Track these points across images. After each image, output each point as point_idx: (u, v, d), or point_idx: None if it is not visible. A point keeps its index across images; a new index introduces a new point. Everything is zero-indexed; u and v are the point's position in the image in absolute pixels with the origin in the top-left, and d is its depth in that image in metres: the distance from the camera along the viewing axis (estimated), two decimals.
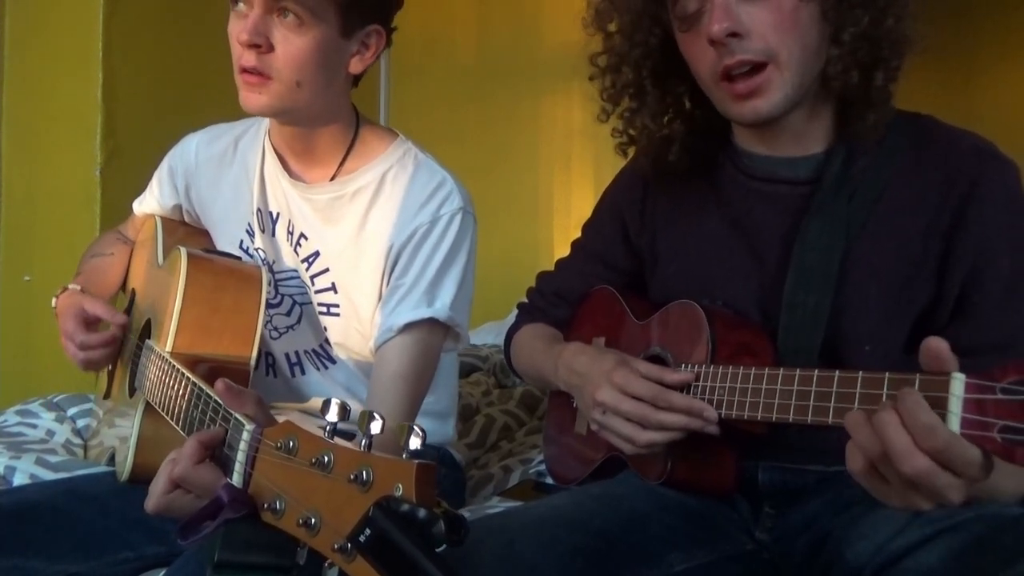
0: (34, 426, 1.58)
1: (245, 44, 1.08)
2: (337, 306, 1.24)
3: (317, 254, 1.24)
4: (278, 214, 1.26)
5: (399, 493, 0.57)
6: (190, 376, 0.96)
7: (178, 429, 0.96)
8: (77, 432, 1.58)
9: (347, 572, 0.60)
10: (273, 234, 1.27)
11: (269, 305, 1.24)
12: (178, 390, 0.98)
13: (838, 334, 0.99)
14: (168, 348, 1.07)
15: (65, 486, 1.19)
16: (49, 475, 1.34)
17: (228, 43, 1.13)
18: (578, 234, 1.35)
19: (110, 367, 1.34)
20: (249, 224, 1.29)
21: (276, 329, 1.29)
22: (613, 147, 1.19)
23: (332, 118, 1.21)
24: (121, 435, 1.20)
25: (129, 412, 1.16)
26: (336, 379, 1.29)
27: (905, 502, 0.71)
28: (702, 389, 0.97)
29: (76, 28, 2.31)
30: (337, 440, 0.65)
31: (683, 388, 0.98)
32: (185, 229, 1.39)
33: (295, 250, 1.26)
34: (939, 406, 0.68)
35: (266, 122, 1.28)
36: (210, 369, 1.06)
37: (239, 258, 1.28)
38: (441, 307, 1.18)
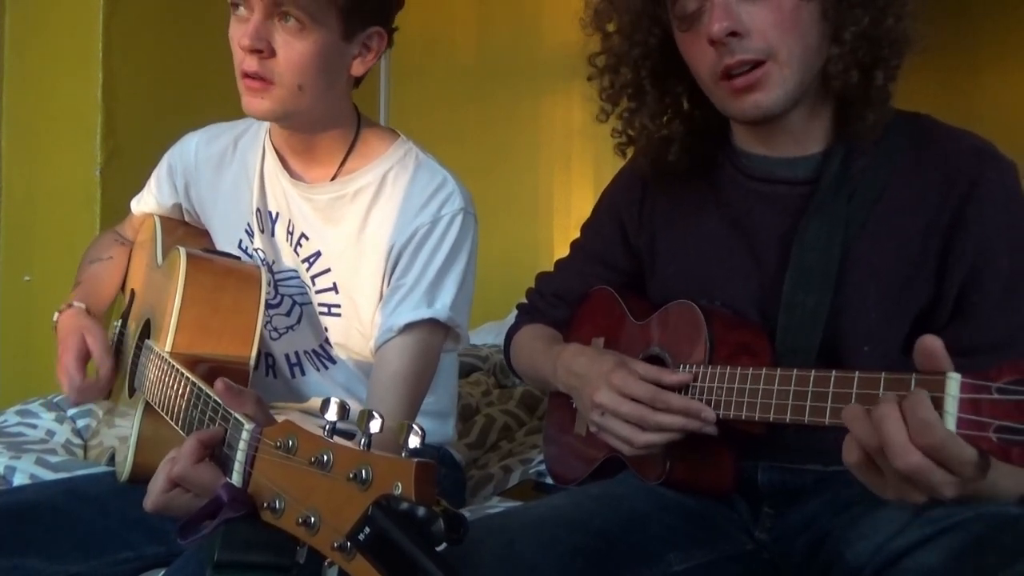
0: (34, 426, 1.58)
1: (246, 49, 1.08)
2: (338, 306, 1.24)
3: (318, 254, 1.24)
4: (277, 214, 1.26)
5: (398, 492, 0.57)
6: (189, 376, 0.96)
7: (177, 429, 0.96)
8: (77, 432, 1.58)
9: (347, 571, 0.60)
10: (272, 234, 1.27)
11: (269, 305, 1.24)
12: (177, 390, 0.98)
13: (837, 334, 0.99)
14: (167, 348, 1.07)
15: (65, 486, 1.19)
16: (49, 475, 1.34)
17: (228, 43, 1.12)
18: (578, 234, 1.35)
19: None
20: (248, 224, 1.29)
21: (276, 330, 1.29)
22: (612, 147, 1.19)
23: (334, 120, 1.21)
24: (121, 435, 1.20)
25: (129, 412, 1.16)
26: (336, 379, 1.28)
27: (899, 495, 0.72)
28: (700, 390, 0.97)
29: (76, 28, 2.31)
30: (336, 439, 0.65)
31: (681, 389, 0.98)
32: (185, 229, 1.39)
33: (295, 250, 1.26)
34: (935, 406, 0.68)
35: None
36: (210, 369, 1.06)
37: (238, 258, 1.28)
38: (441, 308, 1.18)
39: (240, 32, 1.09)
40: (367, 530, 0.56)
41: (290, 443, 0.68)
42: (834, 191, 1.02)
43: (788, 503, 1.04)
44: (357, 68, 1.18)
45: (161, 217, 1.40)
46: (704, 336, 0.99)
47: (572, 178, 3.14)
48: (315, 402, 1.27)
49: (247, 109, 1.13)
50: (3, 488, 1.31)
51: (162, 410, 1.02)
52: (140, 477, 1.02)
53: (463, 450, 1.58)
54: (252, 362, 1.10)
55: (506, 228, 2.94)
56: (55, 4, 2.36)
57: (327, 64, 1.12)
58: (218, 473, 0.82)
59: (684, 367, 0.99)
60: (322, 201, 1.23)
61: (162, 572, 1.05)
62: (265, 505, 0.69)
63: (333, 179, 1.23)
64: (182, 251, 1.14)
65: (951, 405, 0.68)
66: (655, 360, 1.06)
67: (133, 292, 1.39)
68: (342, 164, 1.23)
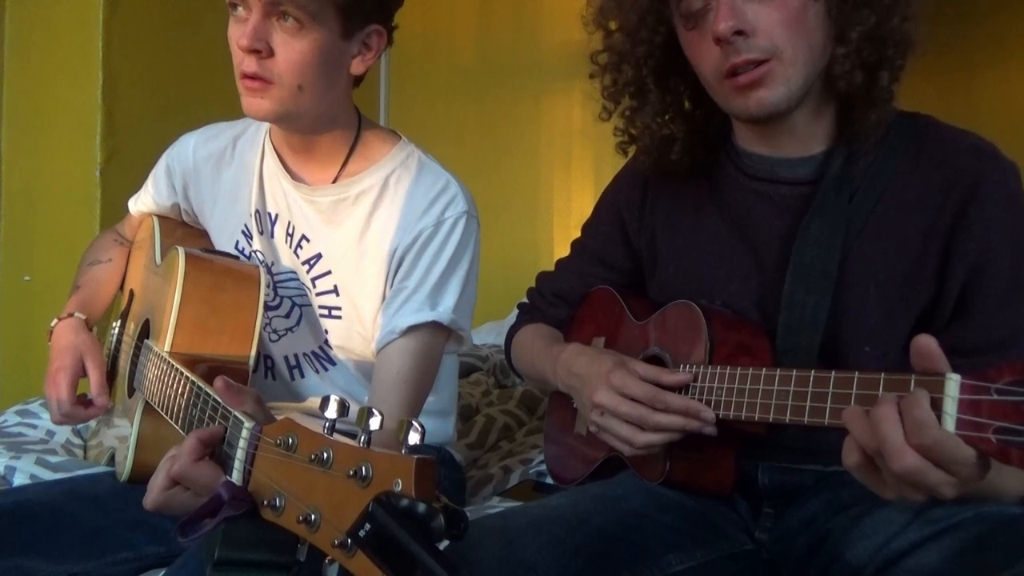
0: (34, 426, 1.58)
1: (245, 49, 1.07)
2: (339, 308, 1.24)
3: (319, 256, 1.24)
4: (276, 215, 1.26)
5: (398, 488, 0.57)
6: (189, 375, 0.96)
7: (177, 428, 0.96)
8: (77, 432, 1.58)
9: (347, 568, 0.60)
10: (271, 235, 1.27)
11: (268, 307, 1.24)
12: (177, 389, 0.98)
13: (838, 335, 0.99)
14: (167, 348, 1.07)
15: (65, 486, 1.19)
16: (49, 475, 1.34)
17: (228, 43, 1.12)
18: (578, 234, 1.35)
19: (108, 367, 1.34)
20: (246, 226, 1.29)
21: (275, 331, 1.28)
22: (614, 146, 1.18)
23: (334, 120, 1.21)
24: (121, 435, 1.20)
25: (129, 412, 1.16)
26: (335, 382, 1.28)
27: (899, 494, 0.72)
28: (700, 390, 0.97)
29: (76, 28, 2.30)
30: (336, 436, 0.65)
31: (681, 389, 0.98)
32: (183, 229, 1.39)
33: (295, 252, 1.25)
34: (934, 407, 0.68)
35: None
36: (209, 369, 1.06)
37: (237, 257, 1.28)
38: (444, 310, 1.18)
39: (239, 32, 1.08)
40: (367, 527, 0.56)
41: (290, 441, 0.68)
42: (835, 191, 1.02)
43: (788, 503, 1.04)
44: (357, 67, 1.18)
45: (159, 217, 1.40)
46: (704, 336, 0.99)
47: (572, 178, 3.14)
48: (313, 402, 1.27)
49: (247, 110, 1.12)
50: (3, 488, 1.31)
51: (162, 409, 1.02)
52: (140, 477, 1.02)
53: (463, 450, 1.58)
54: (251, 362, 1.10)
55: (506, 228, 2.94)
56: (55, 4, 2.36)
57: (327, 63, 1.12)
58: (218, 471, 0.82)
59: (684, 367, 0.99)
60: (324, 203, 1.22)
61: (162, 572, 1.05)
62: (265, 503, 0.69)
63: (335, 181, 1.22)
64: (181, 251, 1.14)
65: (950, 406, 0.68)
66: (655, 360, 1.06)
67: (132, 292, 1.38)
68: (343, 166, 1.23)
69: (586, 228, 1.33)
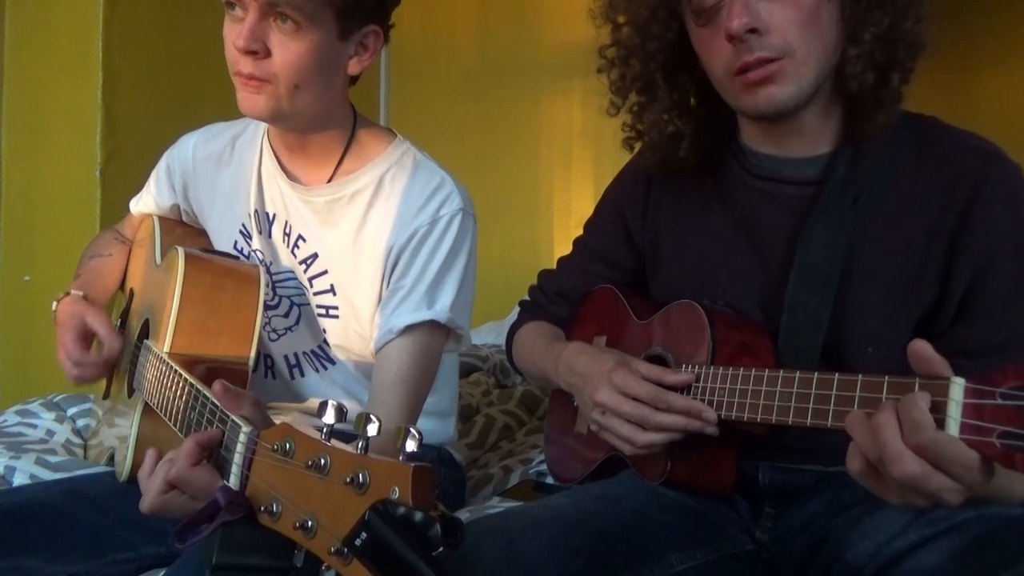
0: (34, 426, 1.58)
1: (242, 50, 1.07)
2: (336, 308, 1.24)
3: (316, 256, 1.24)
4: (274, 215, 1.26)
5: (395, 496, 0.57)
6: (187, 377, 0.96)
7: (176, 430, 0.96)
8: (77, 432, 1.58)
9: (344, 575, 0.60)
10: (269, 235, 1.27)
11: (267, 307, 1.24)
12: (176, 391, 0.98)
13: (841, 335, 0.99)
14: (166, 348, 1.07)
15: (65, 486, 1.19)
16: (49, 475, 1.34)
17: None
18: (578, 234, 1.35)
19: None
20: (244, 226, 1.29)
21: (275, 331, 1.28)
22: (620, 142, 1.17)
23: (330, 119, 1.20)
24: (120, 435, 1.20)
25: (128, 412, 1.16)
26: (335, 381, 1.28)
27: (904, 500, 0.72)
28: (702, 390, 0.96)
29: (76, 28, 2.30)
30: (334, 442, 0.65)
31: (683, 389, 0.98)
32: (183, 229, 1.39)
33: (292, 252, 1.25)
34: (938, 411, 0.68)
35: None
36: (208, 369, 1.05)
37: (237, 257, 1.28)
38: (441, 309, 1.18)
39: (235, 33, 1.08)
40: (364, 535, 0.56)
41: (287, 446, 0.68)
42: (840, 193, 1.02)
43: (789, 503, 1.04)
44: (354, 67, 1.18)
45: (160, 217, 1.40)
46: (707, 337, 0.99)
47: (572, 178, 3.14)
48: (314, 403, 1.27)
49: (243, 107, 1.12)
50: (3, 488, 1.31)
51: (160, 411, 1.02)
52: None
53: (463, 450, 1.58)
54: (251, 362, 1.10)
55: (506, 228, 2.94)
56: (55, 4, 2.36)
57: (324, 64, 1.11)
58: (215, 476, 0.82)
59: (686, 367, 0.99)
60: (319, 203, 1.22)
61: (162, 572, 1.05)
62: (262, 508, 0.69)
63: (330, 181, 1.22)
64: (180, 251, 1.14)
65: (954, 410, 0.67)
66: (657, 360, 1.06)
67: (132, 291, 1.38)
68: (338, 165, 1.22)
69: (588, 226, 1.32)
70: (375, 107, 3.36)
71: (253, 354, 1.10)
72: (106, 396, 1.37)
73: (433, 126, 3.17)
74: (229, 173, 1.31)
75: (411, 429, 0.58)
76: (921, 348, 0.71)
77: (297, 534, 0.64)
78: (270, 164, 1.26)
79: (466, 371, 2.06)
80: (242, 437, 0.77)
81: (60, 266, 1.92)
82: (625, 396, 0.98)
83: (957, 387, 0.68)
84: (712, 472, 1.03)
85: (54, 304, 1.30)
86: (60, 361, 1.23)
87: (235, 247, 1.30)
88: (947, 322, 0.98)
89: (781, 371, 0.87)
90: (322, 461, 0.64)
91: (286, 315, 1.27)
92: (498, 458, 1.61)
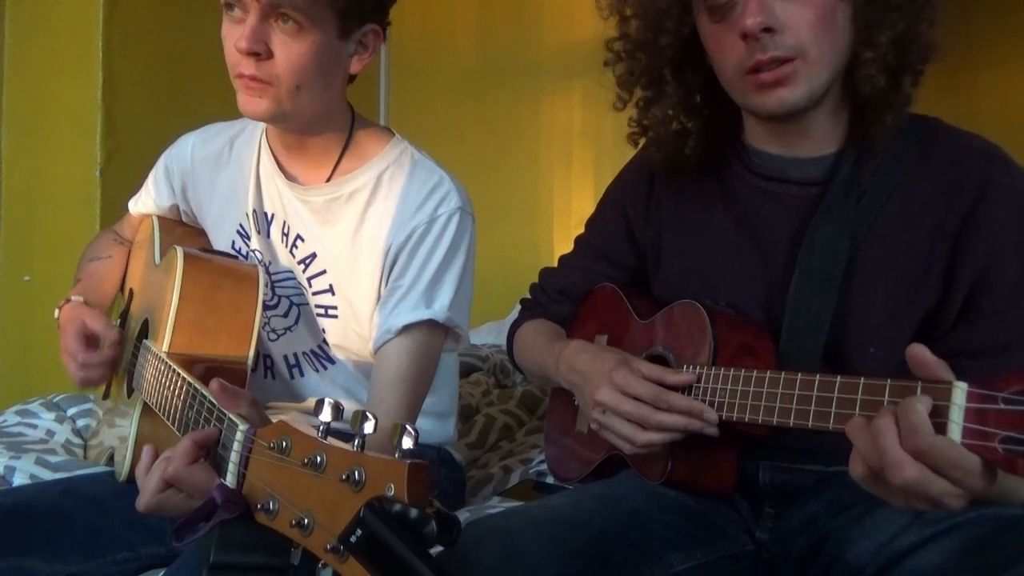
0: (34, 426, 1.58)
1: (244, 52, 1.07)
2: (335, 308, 1.24)
3: (314, 256, 1.24)
4: (272, 215, 1.26)
5: (391, 493, 0.57)
6: (185, 376, 0.96)
7: (174, 429, 0.96)
8: (77, 432, 1.58)
9: (340, 573, 0.59)
10: (268, 235, 1.27)
11: (266, 307, 1.24)
12: (174, 390, 0.98)
13: (843, 336, 0.99)
14: (165, 348, 1.07)
15: (64, 486, 1.19)
16: (49, 475, 1.34)
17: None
18: (579, 233, 1.35)
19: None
20: (241, 226, 1.28)
21: (274, 331, 1.28)
22: (621, 140, 1.17)
23: (329, 119, 1.20)
24: (120, 435, 1.20)
25: (127, 412, 1.16)
26: (335, 380, 1.28)
27: (907, 504, 0.71)
28: (703, 391, 0.96)
29: (76, 28, 2.31)
30: (331, 440, 0.65)
31: (684, 389, 0.97)
32: (182, 229, 1.39)
33: (291, 252, 1.25)
34: (940, 415, 0.68)
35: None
36: (207, 369, 1.05)
37: (236, 257, 1.28)
38: (440, 308, 1.17)
39: (236, 34, 1.07)
40: (359, 532, 0.56)
41: (284, 444, 0.68)
42: (844, 194, 1.02)
43: (789, 503, 1.03)
44: (355, 66, 1.18)
45: (159, 217, 1.40)
46: (708, 337, 0.99)
47: (572, 178, 3.13)
48: (311, 402, 1.27)
49: (244, 109, 1.12)
50: (3, 488, 1.31)
51: (159, 410, 1.02)
52: None
53: (463, 450, 1.58)
54: (250, 362, 1.10)
55: (506, 228, 2.94)
56: (55, 4, 2.36)
57: (325, 64, 1.11)
58: (212, 474, 0.82)
59: (688, 367, 0.99)
60: (317, 203, 1.22)
61: (161, 572, 1.05)
62: (259, 506, 0.68)
63: (328, 180, 1.22)
64: (179, 250, 1.14)
65: (956, 414, 0.67)
66: (658, 359, 1.06)
67: (131, 292, 1.38)
68: (337, 164, 1.22)
69: (590, 224, 1.32)
70: (375, 107, 3.36)
71: (252, 354, 1.10)
72: (106, 396, 1.37)
73: (433, 126, 3.17)
74: (227, 173, 1.31)
75: (407, 426, 0.58)
76: (919, 353, 0.71)
77: (294, 532, 0.64)
78: (268, 164, 1.26)
79: (466, 371, 2.06)
80: (239, 435, 0.77)
81: (60, 266, 1.92)
82: (626, 395, 0.98)
83: (960, 391, 0.67)
84: (713, 472, 1.02)
85: (56, 311, 1.30)
86: (65, 364, 1.23)
87: (233, 247, 1.30)
88: (950, 323, 0.98)
89: (783, 373, 0.87)
90: (318, 459, 0.64)
91: (285, 315, 1.27)
92: (498, 458, 1.61)
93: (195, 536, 0.70)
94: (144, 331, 1.22)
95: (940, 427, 0.67)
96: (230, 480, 0.75)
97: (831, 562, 0.94)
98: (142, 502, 0.88)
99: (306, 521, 0.63)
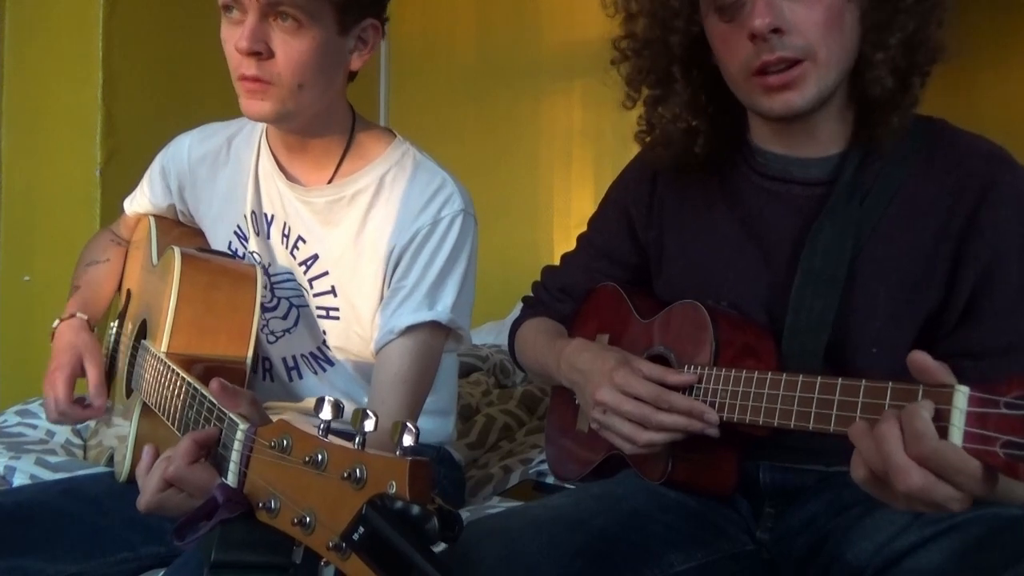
0: (34, 426, 1.58)
1: (245, 52, 1.06)
2: (337, 309, 1.23)
3: (316, 257, 1.23)
4: (272, 216, 1.26)
5: (392, 490, 0.57)
6: (185, 376, 0.96)
7: (174, 429, 0.96)
8: (77, 432, 1.58)
9: (342, 570, 0.59)
10: (268, 236, 1.26)
11: (265, 309, 1.24)
12: (173, 390, 0.98)
13: (845, 337, 0.99)
14: (163, 348, 1.07)
15: (64, 486, 1.19)
16: (49, 475, 1.34)
17: None
18: (579, 232, 1.35)
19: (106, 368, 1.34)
20: (239, 227, 1.28)
21: (272, 333, 1.28)
22: (621, 140, 1.17)
23: (330, 118, 1.20)
24: (120, 434, 1.20)
25: (127, 412, 1.16)
26: (334, 383, 1.28)
27: (909, 507, 0.71)
28: (704, 391, 0.96)
29: (76, 28, 2.30)
30: (331, 438, 0.65)
31: (685, 389, 0.97)
32: (180, 229, 1.38)
33: (292, 253, 1.25)
34: (941, 419, 0.68)
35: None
36: (206, 369, 1.05)
37: (234, 257, 1.27)
38: (443, 310, 1.17)
39: (236, 35, 1.07)
40: (361, 530, 0.56)
41: (284, 443, 0.68)
42: (848, 195, 1.02)
43: (789, 503, 1.03)
44: (355, 63, 1.17)
45: (156, 217, 1.39)
46: (710, 338, 0.99)
47: (572, 178, 3.14)
48: (311, 401, 1.27)
49: (246, 112, 1.12)
50: (3, 488, 1.31)
51: (158, 410, 1.02)
52: None
53: (463, 450, 1.58)
54: (249, 361, 1.10)
55: (506, 228, 2.94)
56: (55, 4, 2.36)
57: (326, 61, 1.11)
58: (213, 473, 0.82)
59: (689, 368, 0.99)
60: (319, 204, 1.22)
61: (161, 572, 1.05)
62: (260, 505, 0.68)
63: (330, 182, 1.22)
64: (176, 250, 1.14)
65: (958, 418, 0.67)
66: (659, 359, 1.05)
67: (129, 292, 1.38)
68: (338, 166, 1.22)
69: (592, 222, 1.32)
70: (375, 107, 3.36)
71: (251, 353, 1.10)
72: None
73: (433, 126, 3.17)
74: (225, 174, 1.30)
75: (408, 424, 0.58)
76: (920, 359, 0.71)
77: (295, 530, 0.64)
78: (268, 165, 1.26)
79: (466, 371, 2.06)
80: (239, 435, 0.77)
81: (60, 266, 1.92)
82: (626, 395, 0.98)
83: (961, 395, 0.67)
84: (713, 473, 1.02)
85: (56, 322, 1.29)
86: (45, 397, 1.23)
87: (229, 248, 1.29)
88: (952, 324, 0.98)
89: (784, 374, 0.87)
90: (319, 457, 0.64)
91: (284, 317, 1.27)
92: (498, 458, 1.61)
93: (196, 535, 0.70)
94: (142, 331, 1.22)
95: (941, 431, 0.67)
96: (231, 479, 0.75)
97: (831, 562, 0.94)
98: (143, 502, 0.88)
99: (308, 519, 0.63)
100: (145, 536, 1.12)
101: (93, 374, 1.23)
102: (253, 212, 1.27)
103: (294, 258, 1.25)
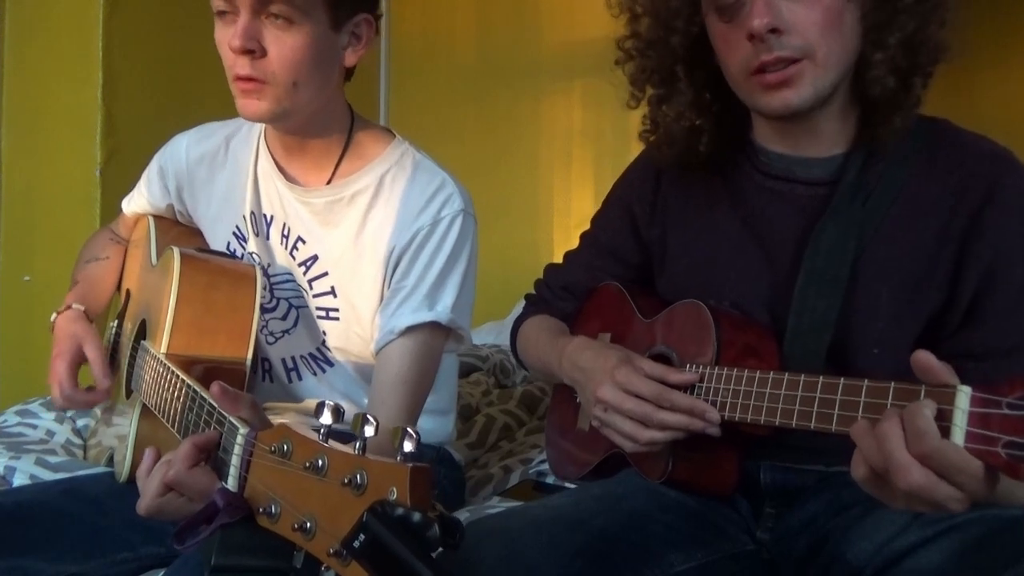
0: (34, 426, 1.58)
1: (238, 51, 1.06)
2: (336, 310, 1.23)
3: (315, 258, 1.23)
4: (272, 217, 1.26)
5: (393, 497, 0.57)
6: (185, 379, 0.96)
7: (173, 432, 0.96)
8: (77, 432, 1.58)
9: None
10: (267, 237, 1.26)
11: (265, 309, 1.24)
12: (173, 392, 0.98)
13: (847, 337, 0.99)
14: (163, 349, 1.06)
15: (64, 486, 1.19)
16: (49, 475, 1.34)
17: None
18: (578, 234, 1.34)
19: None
20: (238, 228, 1.28)
21: (272, 334, 1.28)
22: (624, 136, 1.17)
23: (328, 118, 1.20)
24: (120, 434, 1.20)
25: (127, 412, 1.16)
26: (333, 384, 1.28)
27: (908, 506, 0.71)
28: (705, 390, 0.96)
29: (76, 28, 2.30)
30: (332, 443, 0.65)
31: (687, 388, 0.97)
32: (179, 229, 1.38)
33: (291, 254, 1.25)
34: (943, 419, 0.68)
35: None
36: (206, 370, 1.05)
37: (233, 256, 1.27)
38: (443, 310, 1.17)
39: (228, 35, 1.07)
40: (362, 537, 0.56)
41: (285, 448, 0.68)
42: (851, 195, 1.02)
43: (790, 503, 1.03)
44: (350, 59, 1.17)
45: (155, 217, 1.39)
46: (712, 337, 0.99)
47: (572, 178, 3.14)
48: (311, 403, 1.27)
49: (243, 112, 1.12)
50: (3, 488, 1.31)
51: (158, 412, 1.02)
52: None
53: (463, 450, 1.58)
54: (248, 362, 1.10)
55: (506, 228, 2.94)
56: (55, 4, 2.35)
57: (320, 57, 1.11)
58: (213, 477, 0.81)
59: (690, 367, 0.99)
60: (319, 205, 1.22)
61: (161, 572, 1.05)
62: (261, 510, 0.68)
63: (329, 182, 1.22)
64: (176, 250, 1.14)
65: (960, 418, 0.67)
66: (661, 359, 1.05)
67: (128, 292, 1.38)
68: (337, 166, 1.22)
69: (596, 220, 1.32)
70: (375, 107, 3.36)
71: (250, 354, 1.10)
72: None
73: (433, 126, 3.16)
74: (224, 175, 1.30)
75: (408, 429, 0.58)
76: (924, 359, 0.71)
77: (296, 535, 0.64)
78: (267, 165, 1.25)
79: (466, 371, 2.06)
80: (239, 439, 0.77)
81: (60, 266, 1.92)
82: (628, 393, 0.98)
83: (963, 395, 0.67)
84: (714, 472, 1.02)
85: (53, 315, 1.29)
86: (50, 383, 1.23)
87: (228, 249, 1.29)
88: (954, 325, 0.98)
89: (786, 374, 0.87)
90: (320, 462, 0.64)
91: (284, 317, 1.27)
92: (498, 458, 1.61)
93: (197, 539, 0.70)
94: (142, 332, 1.22)
95: (943, 431, 0.67)
96: (231, 484, 0.75)
97: (831, 562, 0.94)
98: (143, 505, 0.87)
99: (308, 525, 0.63)
100: (145, 536, 1.12)
101: (94, 357, 1.23)
102: (252, 213, 1.26)
103: (294, 259, 1.25)
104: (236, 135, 1.31)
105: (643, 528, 0.98)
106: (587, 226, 1.33)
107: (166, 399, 0.99)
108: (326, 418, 0.66)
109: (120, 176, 2.26)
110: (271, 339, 1.28)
